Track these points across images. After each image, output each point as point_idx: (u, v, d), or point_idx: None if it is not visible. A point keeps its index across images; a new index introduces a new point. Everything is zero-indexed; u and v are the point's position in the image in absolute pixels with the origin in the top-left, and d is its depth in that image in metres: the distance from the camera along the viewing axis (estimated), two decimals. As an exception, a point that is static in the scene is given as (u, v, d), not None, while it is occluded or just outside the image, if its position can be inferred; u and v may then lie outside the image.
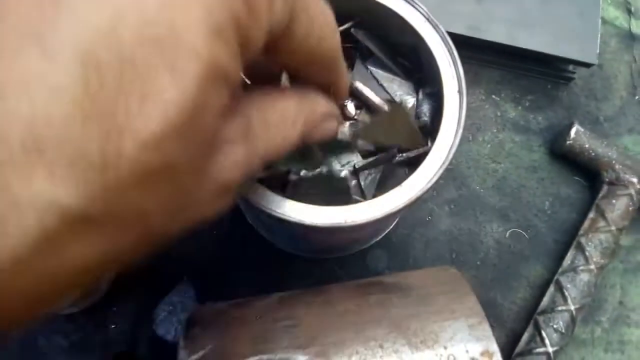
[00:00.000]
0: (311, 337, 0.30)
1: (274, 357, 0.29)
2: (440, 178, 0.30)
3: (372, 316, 0.31)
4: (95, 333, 0.44)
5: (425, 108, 0.33)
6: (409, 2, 0.32)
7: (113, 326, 0.44)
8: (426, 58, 0.33)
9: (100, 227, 0.13)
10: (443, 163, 0.30)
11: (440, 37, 0.32)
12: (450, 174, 0.48)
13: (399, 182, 0.29)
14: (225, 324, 0.31)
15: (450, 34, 0.32)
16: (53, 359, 0.43)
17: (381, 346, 0.29)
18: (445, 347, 0.29)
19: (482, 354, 0.29)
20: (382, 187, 0.33)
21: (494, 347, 0.29)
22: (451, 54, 0.32)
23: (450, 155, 0.30)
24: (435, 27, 0.32)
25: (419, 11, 0.32)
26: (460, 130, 0.30)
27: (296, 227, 0.30)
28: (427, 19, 0.32)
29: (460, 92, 0.31)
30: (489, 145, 0.49)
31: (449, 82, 0.31)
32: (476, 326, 0.30)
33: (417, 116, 0.33)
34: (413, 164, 0.33)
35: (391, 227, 0.46)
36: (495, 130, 0.50)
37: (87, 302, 0.42)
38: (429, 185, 0.29)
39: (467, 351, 0.29)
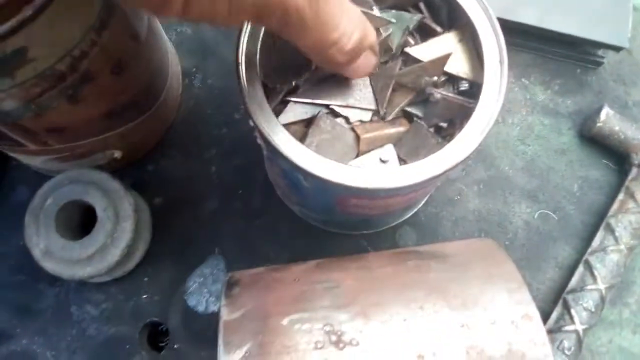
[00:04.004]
0: (351, 298, 0.30)
1: (314, 315, 0.29)
2: (478, 147, 0.30)
3: (411, 279, 0.31)
4: (126, 303, 0.44)
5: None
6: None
7: (144, 296, 0.45)
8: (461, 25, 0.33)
9: None
10: (483, 130, 0.30)
11: (482, 7, 0.32)
12: (480, 155, 0.48)
13: (430, 152, 0.29)
14: (265, 284, 0.32)
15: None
16: (84, 328, 0.44)
17: (421, 307, 0.29)
18: (485, 310, 0.29)
19: (522, 317, 0.29)
20: (414, 157, 0.33)
21: (534, 311, 0.29)
22: (492, 23, 0.32)
23: (492, 122, 0.30)
24: (477, -2, 0.32)
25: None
26: (502, 100, 0.31)
27: (340, 191, 0.30)
28: (470, -11, 0.32)
29: (501, 62, 0.31)
30: (518, 128, 0.49)
31: (491, 52, 0.32)
32: (515, 290, 0.30)
33: None
34: (446, 133, 0.34)
35: (420, 205, 0.46)
36: (524, 113, 0.50)
37: (119, 272, 0.43)
38: (471, 151, 0.29)
39: (507, 314, 0.29)
